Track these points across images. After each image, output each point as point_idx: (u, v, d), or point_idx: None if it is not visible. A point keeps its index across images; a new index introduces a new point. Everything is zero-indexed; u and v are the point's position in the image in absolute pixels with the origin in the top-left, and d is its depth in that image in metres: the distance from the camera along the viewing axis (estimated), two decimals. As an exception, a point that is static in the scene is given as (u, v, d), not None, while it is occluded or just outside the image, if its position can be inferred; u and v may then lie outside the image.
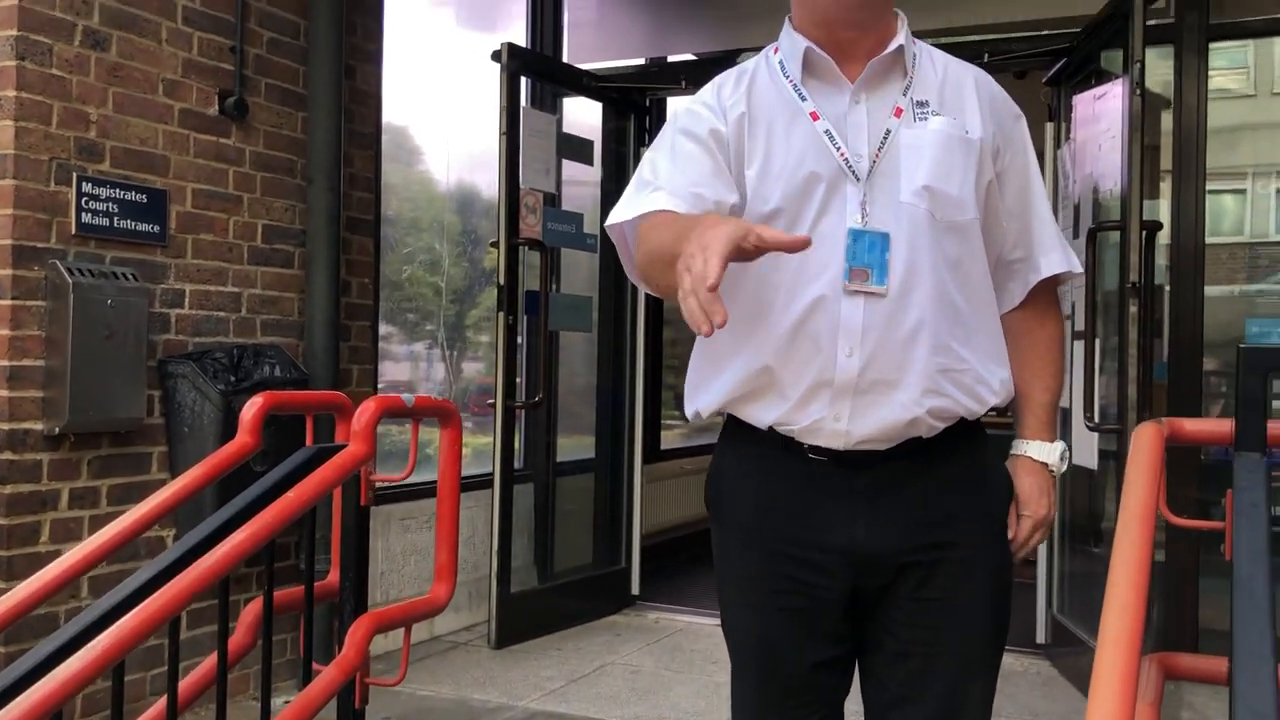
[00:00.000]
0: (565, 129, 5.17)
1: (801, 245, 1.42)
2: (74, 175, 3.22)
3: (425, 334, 5.53)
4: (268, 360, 3.66)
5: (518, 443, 5.14)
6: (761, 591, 1.76)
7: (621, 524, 5.23)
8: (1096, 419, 3.80)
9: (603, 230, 5.16)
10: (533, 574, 5.00)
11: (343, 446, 2.03)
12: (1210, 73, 4.30)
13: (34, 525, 3.14)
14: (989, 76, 1.83)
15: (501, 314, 4.44)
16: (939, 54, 1.81)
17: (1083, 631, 4.02)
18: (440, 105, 5.09)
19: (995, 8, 4.62)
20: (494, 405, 4.45)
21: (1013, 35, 4.54)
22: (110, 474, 3.32)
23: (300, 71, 3.96)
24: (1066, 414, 4.19)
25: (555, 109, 5.22)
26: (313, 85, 3.93)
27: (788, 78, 1.73)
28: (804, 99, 1.71)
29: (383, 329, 5.28)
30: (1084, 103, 4.20)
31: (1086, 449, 3.98)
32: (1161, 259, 4.27)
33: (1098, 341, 3.85)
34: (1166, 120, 4.36)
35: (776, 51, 1.79)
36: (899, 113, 1.71)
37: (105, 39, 3.32)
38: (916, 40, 1.79)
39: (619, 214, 1.70)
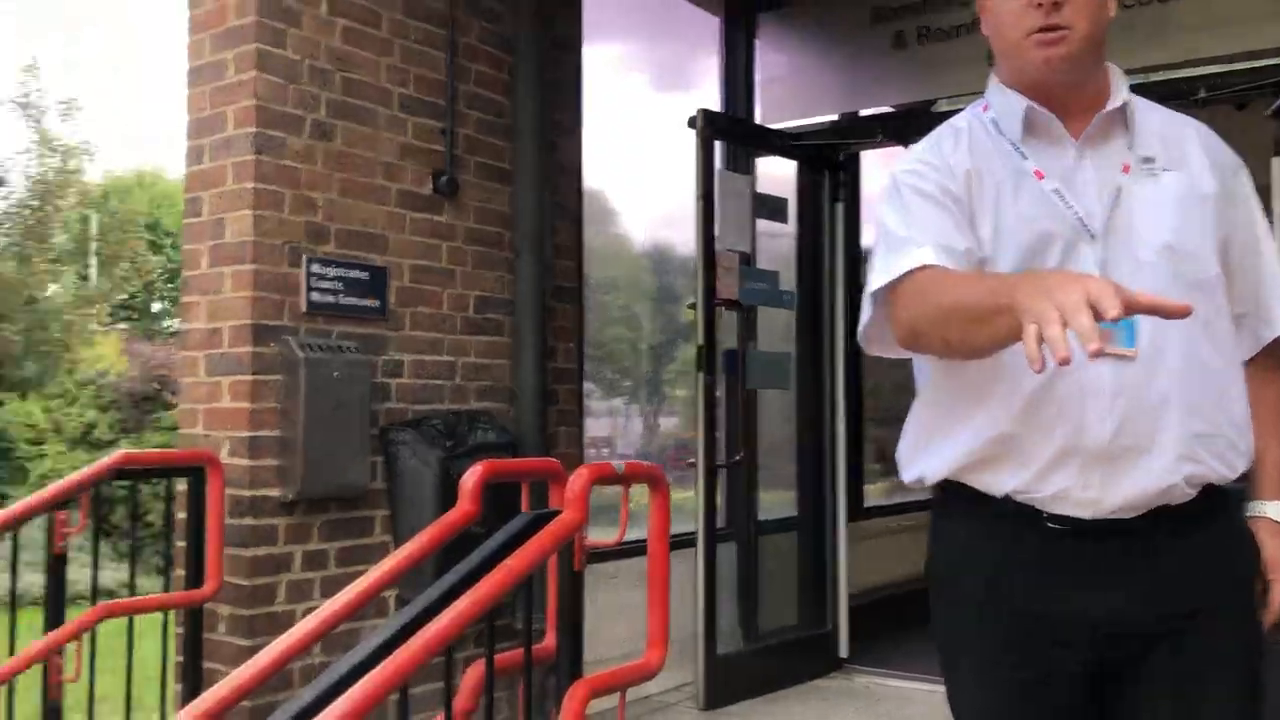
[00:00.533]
0: (760, 186, 5.22)
1: (1183, 313, 1.31)
2: (304, 257, 3.47)
3: (623, 390, 5.66)
4: (481, 425, 3.81)
5: (719, 501, 5.16)
6: (1001, 667, 1.68)
7: (827, 584, 5.15)
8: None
9: (799, 286, 5.22)
10: (738, 635, 4.97)
11: (557, 512, 2.09)
12: None
13: (272, 586, 3.35)
14: (1207, 128, 1.76)
15: (701, 375, 4.49)
16: (1155, 106, 1.75)
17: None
18: (636, 169, 5.24)
19: (1210, 41, 4.41)
20: (695, 465, 4.48)
21: (1230, 69, 4.32)
22: (338, 537, 3.52)
23: (506, 149, 4.14)
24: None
25: (749, 168, 5.27)
26: (518, 162, 4.11)
27: (1005, 136, 1.70)
28: (1025, 157, 1.68)
29: (585, 387, 5.43)
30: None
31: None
32: None
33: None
34: None
35: (986, 109, 1.76)
36: (1127, 168, 1.66)
37: (331, 129, 3.57)
38: (1132, 94, 1.74)
39: (881, 278, 1.63)
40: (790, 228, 5.34)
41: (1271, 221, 4.68)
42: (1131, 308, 1.26)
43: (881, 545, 6.05)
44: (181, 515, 3.37)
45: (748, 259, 4.96)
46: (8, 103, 13.74)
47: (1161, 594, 1.61)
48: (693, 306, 4.59)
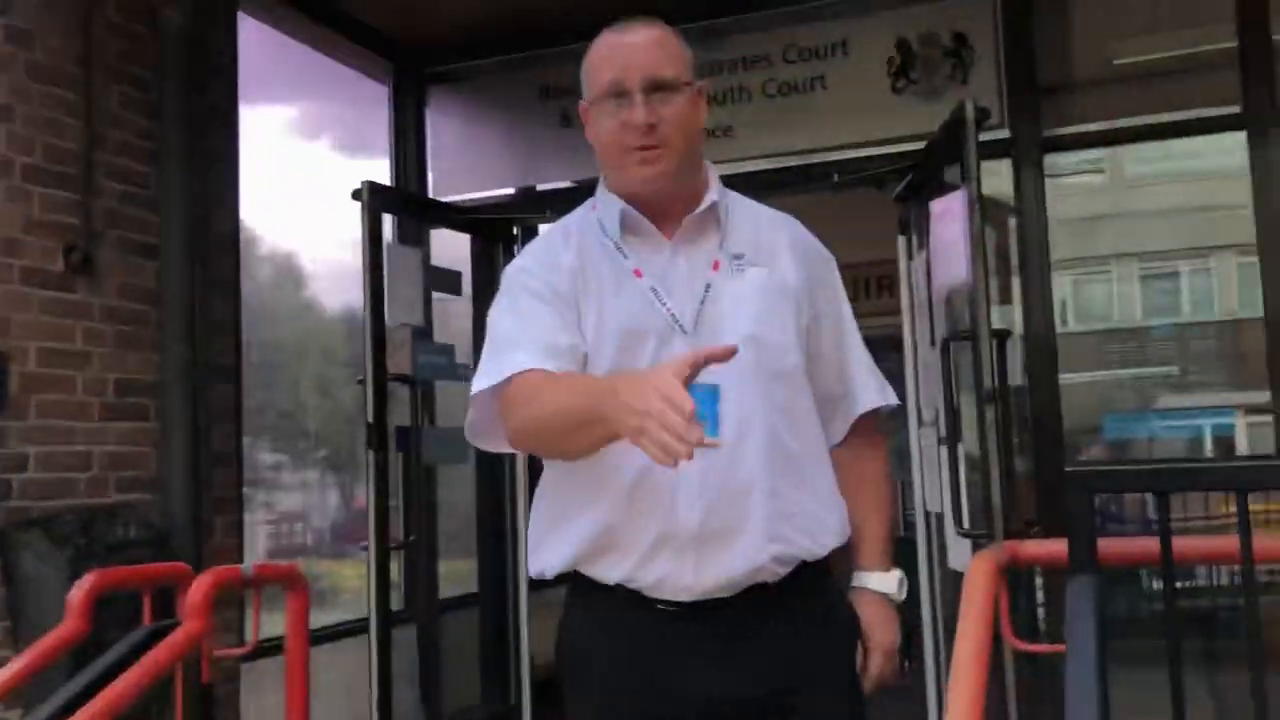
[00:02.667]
0: (434, 258, 5.17)
1: (729, 354, 1.49)
2: (-97, 343, 3.10)
3: (317, 462, 5.44)
4: (121, 521, 3.52)
5: (399, 579, 5.01)
6: None
7: (510, 659, 5.10)
8: (966, 525, 3.85)
9: (475, 359, 5.20)
10: (421, 718, 4.82)
11: (177, 624, 1.94)
12: (1067, 167, 4.55)
13: None
14: (800, 226, 1.90)
15: (371, 452, 4.35)
16: (751, 204, 1.87)
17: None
18: (315, 232, 5.07)
19: (844, 129, 4.80)
20: (367, 548, 4.32)
21: (861, 155, 4.72)
22: (-53, 656, 3.12)
23: (152, 221, 3.89)
24: (940, 519, 4.25)
25: (422, 241, 5.22)
26: (165, 234, 3.87)
27: (608, 236, 1.77)
28: (626, 257, 1.75)
29: (272, 458, 5.16)
30: (931, 216, 4.36)
31: (961, 555, 4.02)
32: (1019, 356, 4.43)
33: (960, 447, 3.93)
34: (1015, 222, 4.56)
35: (595, 209, 1.82)
36: (716, 266, 1.75)
37: (-64, 202, 3.22)
38: (728, 191, 1.84)
39: (484, 380, 1.69)
40: (466, 300, 5.32)
41: (895, 290, 5.11)
42: (694, 368, 1.43)
43: (567, 613, 6.07)
44: None
45: (424, 333, 4.89)
46: None
47: (766, 669, 1.69)
48: (362, 382, 4.45)
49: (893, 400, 1.93)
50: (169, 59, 3.90)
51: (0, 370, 3.34)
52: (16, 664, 2.07)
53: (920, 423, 4.48)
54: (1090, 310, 5.73)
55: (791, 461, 1.72)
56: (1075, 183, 5.12)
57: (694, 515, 1.65)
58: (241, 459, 4.28)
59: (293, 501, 5.29)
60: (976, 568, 1.66)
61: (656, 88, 1.71)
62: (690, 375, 1.42)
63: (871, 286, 7.64)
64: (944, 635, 4.39)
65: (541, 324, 1.69)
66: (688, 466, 1.63)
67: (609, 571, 1.71)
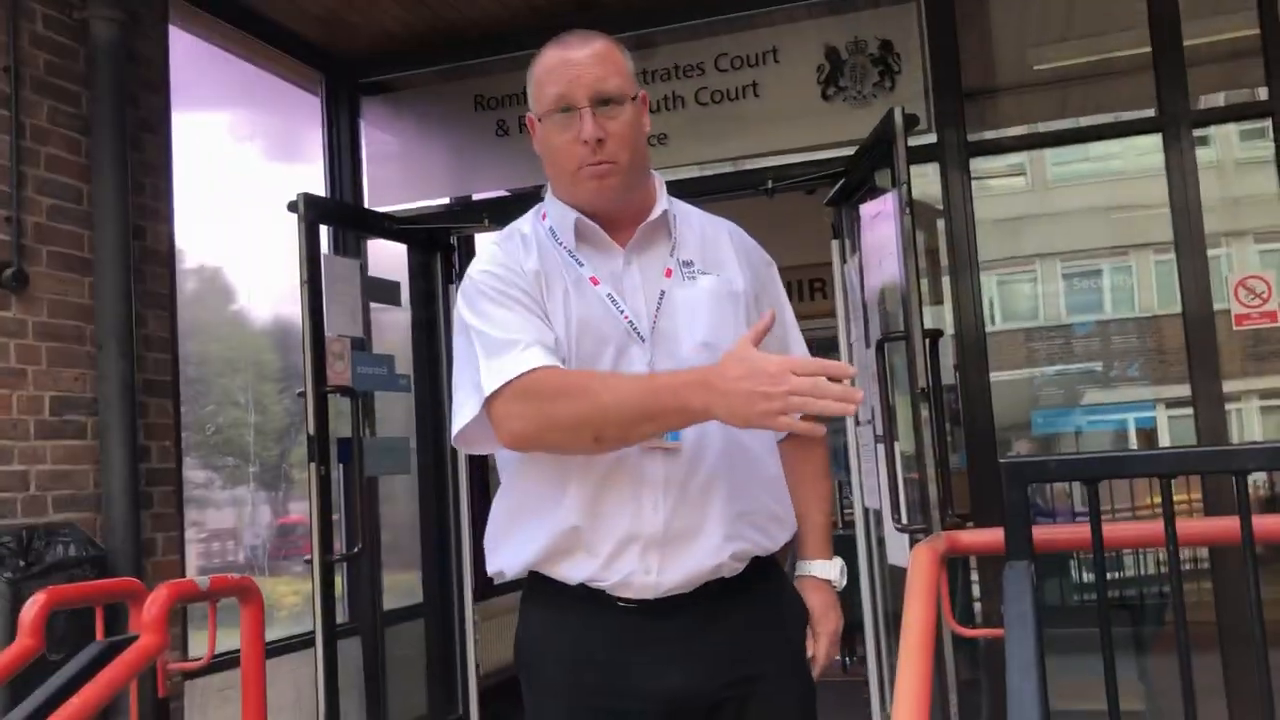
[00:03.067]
0: (372, 269, 5.17)
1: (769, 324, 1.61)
2: None
3: (248, 478, 5.38)
4: (61, 540, 3.47)
5: (343, 593, 4.99)
6: None
7: (456, 668, 5.10)
8: (904, 519, 3.95)
9: (415, 369, 5.20)
10: (367, 731, 4.80)
11: (134, 638, 1.94)
12: (991, 170, 4.68)
13: None
14: (739, 229, 1.95)
15: (313, 464, 4.33)
16: (694, 211, 1.92)
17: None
18: (248, 245, 5.03)
19: (776, 135, 4.89)
20: (310, 562, 4.30)
21: (793, 162, 4.81)
22: (-116, 682, 3.06)
23: (85, 236, 3.85)
24: (879, 515, 4.35)
25: (359, 252, 5.22)
26: (98, 250, 3.83)
27: (561, 244, 1.80)
28: (581, 264, 1.78)
29: (203, 475, 5.10)
30: (862, 220, 4.46)
31: (899, 549, 4.12)
32: (951, 355, 4.55)
33: (896, 445, 4.03)
34: (943, 224, 4.68)
35: (545, 218, 1.85)
36: (669, 273, 1.80)
37: None
38: (674, 200, 1.89)
39: (495, 380, 1.66)
40: (405, 310, 5.32)
41: (829, 293, 5.20)
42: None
43: (513, 621, 6.08)
44: None
45: (362, 344, 4.88)
46: None
47: (724, 662, 1.74)
48: (303, 394, 4.44)
49: None
50: (99, 72, 3.86)
51: (-67, 390, 3.28)
52: (-33, 684, 2.05)
53: (858, 422, 4.58)
54: (1017, 309, 5.89)
55: (748, 460, 1.77)
56: (1000, 185, 5.28)
57: (659, 516, 1.70)
58: (181, 475, 4.24)
59: (225, 518, 5.23)
60: (918, 556, 1.73)
61: (603, 102, 1.73)
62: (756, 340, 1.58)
63: (806, 290, 7.77)
64: (885, 629, 4.49)
65: (530, 323, 1.71)
66: (651, 468, 1.69)
67: (572, 571, 1.74)
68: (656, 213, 1.81)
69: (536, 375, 1.65)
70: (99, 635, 2.28)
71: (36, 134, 3.72)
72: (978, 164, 4.63)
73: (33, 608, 2.10)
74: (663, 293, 1.77)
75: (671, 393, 1.57)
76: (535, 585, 1.82)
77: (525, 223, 1.87)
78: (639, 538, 1.69)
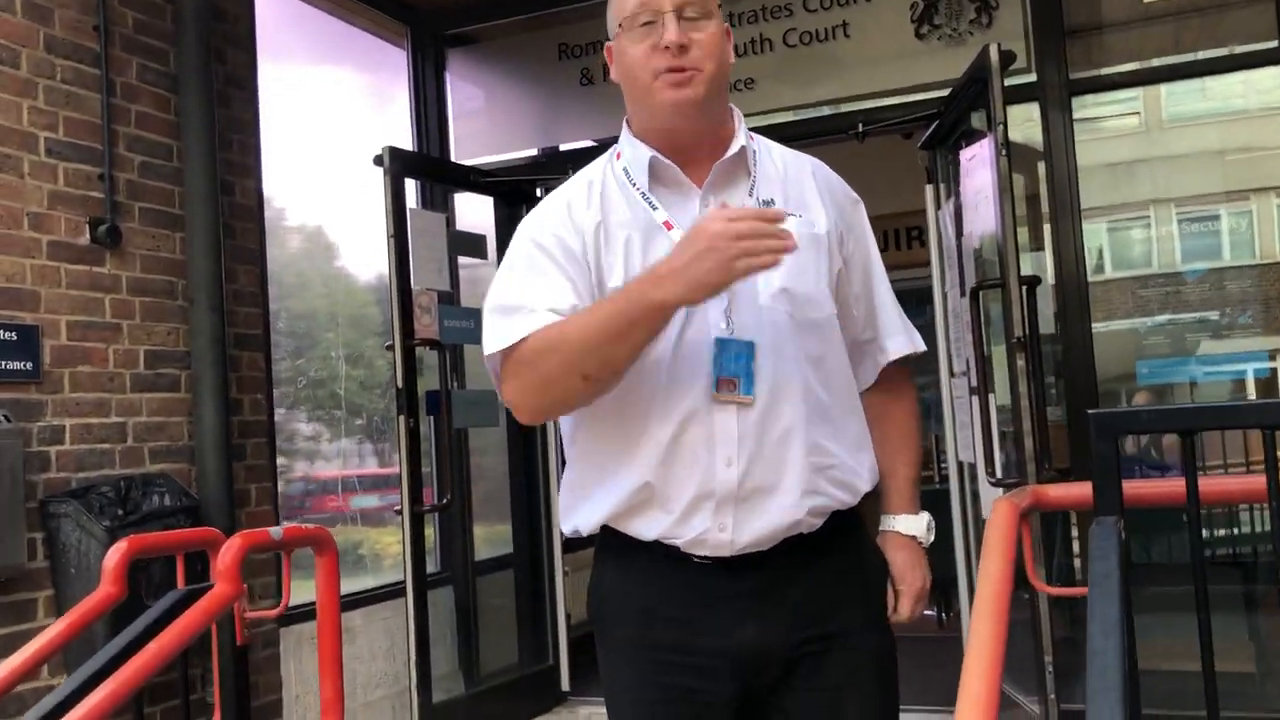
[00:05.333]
0: (460, 223, 5.17)
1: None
2: (-65, 319, 3.13)
3: (355, 430, 5.48)
4: (157, 489, 3.56)
5: (434, 543, 5.06)
6: (654, 704, 1.73)
7: (546, 619, 5.14)
8: (999, 474, 3.82)
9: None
10: (459, 680, 4.87)
11: (209, 587, 1.96)
12: (1103, 112, 4.45)
13: (-90, 688, 2.98)
14: (825, 166, 1.86)
15: (402, 417, 4.38)
16: (776, 147, 1.83)
17: (1016, 691, 4.00)
18: (342, 200, 5.08)
19: (867, 77, 4.73)
20: (400, 513, 4.35)
21: (886, 104, 4.65)
22: (-8, 625, 3.18)
23: (176, 192, 3.91)
24: (973, 470, 4.22)
25: (446, 206, 5.23)
26: (188, 205, 3.88)
27: (635, 185, 1.73)
28: (655, 208, 1.71)
29: (310, 428, 5.21)
30: (957, 164, 4.30)
31: (993, 505, 3.99)
32: (1051, 304, 4.37)
33: (992, 397, 3.90)
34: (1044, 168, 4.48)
35: (619, 157, 1.78)
36: None
37: (-38, 178, 3.25)
38: (754, 135, 1.81)
39: (496, 343, 1.65)
40: (492, 264, 5.32)
41: (925, 241, 5.06)
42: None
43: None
44: None
45: (449, 297, 4.89)
46: None
47: (799, 619, 1.68)
48: (390, 347, 4.47)
49: (920, 346, 1.90)
50: (186, 29, 3.89)
51: (33, 344, 3.38)
52: (54, 629, 2.10)
53: (952, 373, 4.45)
54: (1128, 256, 5.63)
55: (825, 413, 1.69)
56: (1113, 126, 5.03)
57: (732, 473, 1.63)
58: (274, 427, 4.32)
59: (331, 471, 5.34)
60: (998, 510, 1.64)
61: (688, 11, 1.66)
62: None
63: (904, 238, 7.56)
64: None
65: (547, 286, 1.66)
66: (724, 423, 1.62)
67: (646, 528, 1.69)
68: (734, 148, 1.73)
69: (526, 343, 1.62)
70: (180, 584, 2.33)
71: (126, 92, 3.78)
72: (1088, 106, 4.41)
73: (114, 556, 2.14)
74: None
75: (630, 300, 1.54)
76: (608, 540, 1.78)
77: (595, 167, 1.80)
78: (712, 495, 1.63)
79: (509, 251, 1.75)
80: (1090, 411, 1.70)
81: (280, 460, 4.45)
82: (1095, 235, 5.03)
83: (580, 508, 1.75)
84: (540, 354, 1.60)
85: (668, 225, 1.70)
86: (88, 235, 3.60)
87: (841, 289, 1.78)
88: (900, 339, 1.85)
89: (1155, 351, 4.81)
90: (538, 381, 1.63)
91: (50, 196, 3.50)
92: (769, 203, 1.74)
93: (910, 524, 1.85)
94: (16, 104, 3.42)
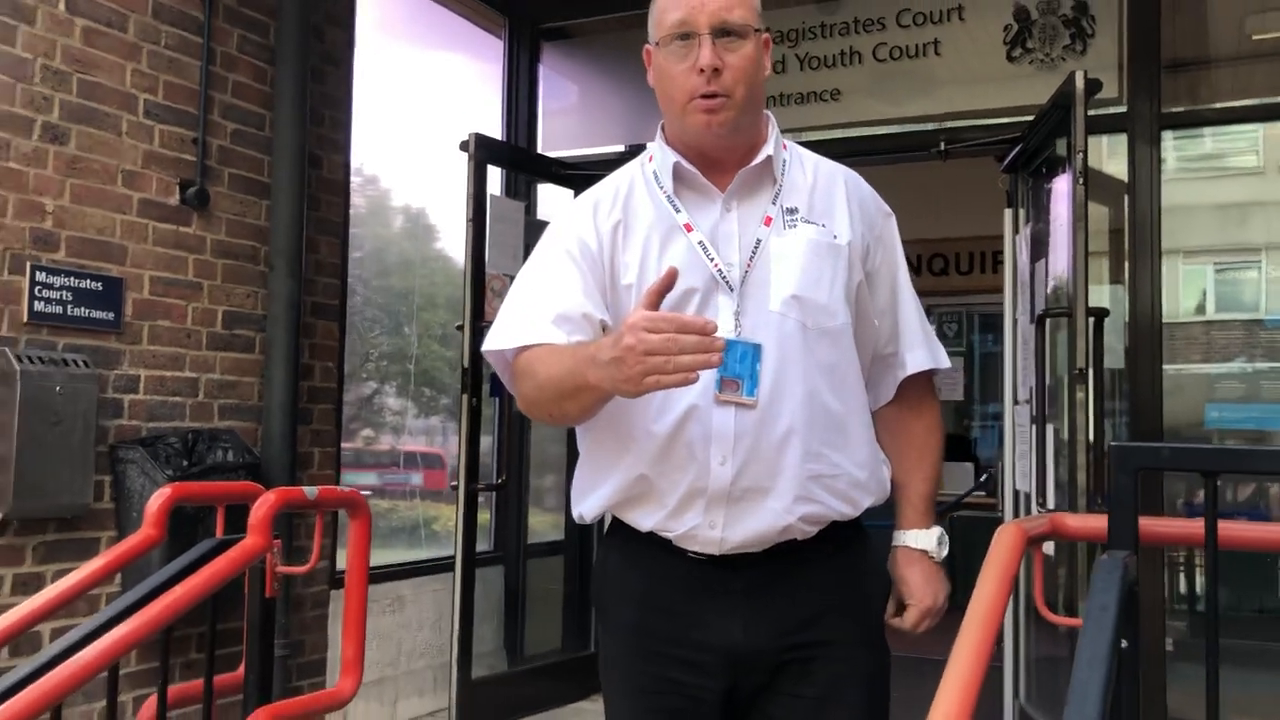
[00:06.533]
0: (540, 210, 5.27)
1: (670, 281, 1.52)
2: (28, 264, 3.30)
3: (441, 409, 5.61)
4: (222, 445, 3.70)
5: (490, 523, 5.15)
6: (645, 693, 1.77)
7: (591, 608, 5.20)
8: (1051, 504, 3.78)
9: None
10: (502, 658, 4.97)
11: (241, 538, 2.05)
12: (1208, 151, 4.38)
13: (-25, 611, 3.16)
14: (859, 177, 1.87)
15: (465, 396, 4.48)
16: (810, 156, 1.85)
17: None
18: (427, 183, 5.20)
19: (955, 96, 4.70)
20: (455, 488, 4.46)
21: (970, 124, 4.62)
22: (56, 559, 3.34)
23: (265, 161, 4.05)
24: (1027, 499, 4.17)
25: (528, 194, 5.32)
26: (276, 174, 4.02)
27: (661, 188, 1.78)
28: (678, 210, 1.75)
29: (397, 403, 5.36)
30: (1038, 190, 4.25)
31: (1042, 535, 3.95)
32: (1121, 340, 4.30)
33: (1050, 426, 3.85)
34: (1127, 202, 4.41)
35: (651, 160, 1.83)
36: (768, 221, 1.74)
37: (64, 133, 3.42)
38: (788, 144, 1.84)
39: (498, 340, 1.73)
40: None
41: (999, 267, 4.99)
42: (654, 298, 1.49)
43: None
44: (-123, 534, 3.14)
45: (522, 283, 4.97)
46: None
47: (788, 623, 1.70)
48: (460, 328, 4.57)
49: (943, 362, 1.90)
50: (287, 4, 4.03)
51: (117, 295, 3.54)
52: (92, 564, 2.21)
53: (1015, 401, 4.40)
54: (1227, 298, 5.48)
55: (831, 422, 1.71)
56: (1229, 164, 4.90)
57: (725, 472, 1.66)
58: (341, 395, 4.45)
59: (415, 445, 5.47)
60: (1004, 532, 1.64)
61: (725, 32, 1.69)
62: (652, 304, 1.48)
63: (986, 261, 7.46)
64: (1023, 614, 4.33)
65: (563, 288, 1.72)
66: (722, 422, 1.66)
67: (642, 519, 1.74)
68: (759, 158, 1.76)
69: (527, 353, 1.68)
70: (218, 533, 2.44)
71: (226, 61, 3.93)
72: (1197, 143, 4.32)
73: (157, 500, 2.24)
74: (759, 241, 1.72)
75: (576, 368, 1.56)
76: (614, 527, 1.83)
77: (628, 170, 1.85)
78: (704, 492, 1.67)
79: (539, 243, 1.81)
80: (1112, 444, 1.69)
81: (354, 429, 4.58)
82: (1196, 275, 4.94)
83: (587, 495, 1.81)
84: (523, 375, 1.69)
85: (688, 227, 1.74)
86: (177, 196, 3.76)
87: (864, 301, 1.79)
88: (921, 353, 1.85)
89: (1227, 395, 4.69)
90: (524, 397, 1.73)
91: (145, 156, 3.66)
92: (792, 210, 1.76)
93: (920, 538, 1.84)
94: (121, 66, 3.58)
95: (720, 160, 1.76)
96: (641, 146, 5.49)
